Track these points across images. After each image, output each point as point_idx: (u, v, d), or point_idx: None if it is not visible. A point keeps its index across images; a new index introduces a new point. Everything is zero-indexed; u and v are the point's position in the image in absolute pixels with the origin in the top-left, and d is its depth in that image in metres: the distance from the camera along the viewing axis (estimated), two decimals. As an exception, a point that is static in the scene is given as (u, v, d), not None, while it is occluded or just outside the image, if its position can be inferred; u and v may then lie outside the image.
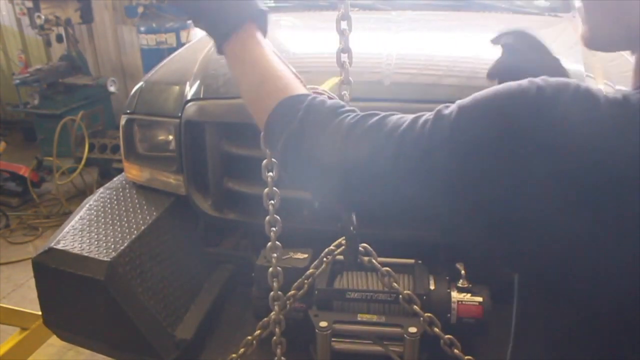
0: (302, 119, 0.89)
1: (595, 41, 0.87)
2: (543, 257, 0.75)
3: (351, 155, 0.84)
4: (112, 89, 5.60)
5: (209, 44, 2.55)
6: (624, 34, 0.83)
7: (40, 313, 2.02)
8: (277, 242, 1.52)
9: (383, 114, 0.86)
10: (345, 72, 1.49)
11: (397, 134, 0.81)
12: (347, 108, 0.90)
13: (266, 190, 1.48)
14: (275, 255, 1.52)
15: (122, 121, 2.27)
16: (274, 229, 1.50)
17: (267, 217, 1.50)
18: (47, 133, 5.28)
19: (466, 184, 0.75)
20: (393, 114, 0.85)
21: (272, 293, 1.53)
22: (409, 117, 0.82)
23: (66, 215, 4.82)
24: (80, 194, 5.19)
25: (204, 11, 1.03)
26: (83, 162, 4.88)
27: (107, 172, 5.05)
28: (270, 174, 1.47)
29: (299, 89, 0.96)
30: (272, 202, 1.49)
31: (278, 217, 1.50)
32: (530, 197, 0.71)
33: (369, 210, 0.93)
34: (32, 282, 1.97)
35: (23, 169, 5.08)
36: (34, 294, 2.00)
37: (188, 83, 2.17)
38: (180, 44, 5.54)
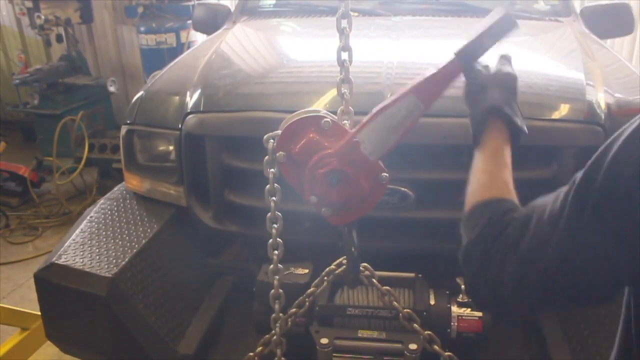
0: (483, 229, 1.01)
1: None
2: None
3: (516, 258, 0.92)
4: (112, 89, 5.61)
5: (210, 50, 2.56)
6: None
7: (40, 313, 2.03)
8: (280, 265, 1.52)
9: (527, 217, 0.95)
10: (345, 70, 1.50)
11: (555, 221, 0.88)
12: (515, 208, 1.03)
13: (267, 187, 1.48)
14: (276, 252, 1.51)
15: (122, 131, 2.27)
16: (275, 225, 1.50)
17: (269, 214, 1.49)
18: (47, 133, 5.29)
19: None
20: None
21: (273, 315, 1.53)
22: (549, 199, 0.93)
23: (66, 215, 4.86)
24: (80, 194, 5.22)
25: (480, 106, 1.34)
26: (83, 162, 4.89)
27: (107, 172, 5.07)
28: (272, 170, 1.46)
29: (507, 192, 1.11)
30: (274, 198, 1.49)
31: (279, 214, 1.50)
32: None
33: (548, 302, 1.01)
34: (32, 282, 1.97)
35: (23, 169, 5.09)
36: (33, 294, 2.00)
37: (188, 93, 2.16)
38: (180, 44, 5.54)
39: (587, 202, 0.83)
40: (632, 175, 0.77)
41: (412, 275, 1.93)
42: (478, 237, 1.01)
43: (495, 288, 0.96)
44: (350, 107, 1.57)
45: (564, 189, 0.89)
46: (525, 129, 1.29)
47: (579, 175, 0.87)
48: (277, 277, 1.49)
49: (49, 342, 2.81)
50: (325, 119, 1.40)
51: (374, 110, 1.38)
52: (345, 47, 1.47)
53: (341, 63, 1.48)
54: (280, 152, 1.41)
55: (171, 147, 2.18)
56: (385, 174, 1.42)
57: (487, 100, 1.31)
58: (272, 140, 1.43)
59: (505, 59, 1.44)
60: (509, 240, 0.94)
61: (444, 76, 1.36)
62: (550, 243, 0.87)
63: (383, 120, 1.37)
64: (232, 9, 3.48)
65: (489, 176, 1.17)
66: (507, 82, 1.37)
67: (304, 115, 1.42)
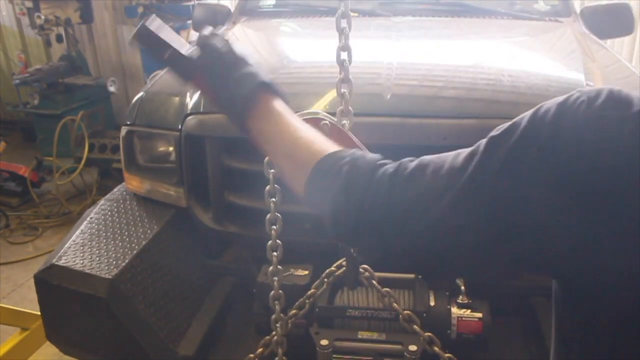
0: (347, 174, 0.92)
1: None
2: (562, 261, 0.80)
3: (397, 206, 0.87)
4: (112, 89, 5.61)
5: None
6: None
7: (40, 314, 2.03)
8: (279, 266, 1.53)
9: (418, 159, 0.90)
10: (345, 70, 1.50)
11: (442, 173, 0.85)
12: (386, 160, 0.94)
13: (267, 187, 1.49)
14: (276, 253, 1.52)
15: (122, 132, 2.27)
16: (274, 227, 1.50)
17: (268, 215, 1.50)
18: (47, 133, 5.29)
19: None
20: (426, 157, 0.90)
21: (273, 316, 1.54)
22: (447, 156, 0.88)
23: (66, 215, 4.86)
24: (80, 194, 5.22)
25: (217, 98, 1.13)
26: (83, 162, 4.89)
27: (107, 172, 5.07)
28: (272, 171, 1.46)
29: (332, 147, 1.01)
30: (274, 199, 1.49)
31: (279, 215, 1.50)
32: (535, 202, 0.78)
33: (416, 257, 0.94)
34: (32, 282, 1.97)
35: (23, 169, 5.10)
36: (33, 294, 2.00)
37: (188, 94, 2.16)
38: (180, 44, 5.53)
39: (495, 160, 0.81)
40: (547, 137, 0.78)
41: (412, 276, 1.93)
42: (344, 191, 0.92)
43: (382, 241, 0.91)
44: (350, 107, 1.58)
45: (465, 150, 0.87)
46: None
47: (486, 140, 0.85)
48: (276, 278, 1.49)
49: (49, 342, 2.82)
50: (324, 121, 1.40)
51: None
52: (344, 47, 1.47)
53: (341, 63, 1.48)
54: None
55: (171, 148, 2.18)
56: None
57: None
58: None
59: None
60: (395, 190, 0.88)
61: None
62: (447, 195, 0.83)
63: None
64: (232, 9, 3.48)
65: (297, 137, 1.05)
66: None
67: (303, 118, 1.42)
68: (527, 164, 0.79)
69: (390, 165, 0.91)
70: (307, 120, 1.42)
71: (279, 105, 1.11)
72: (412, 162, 0.90)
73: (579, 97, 0.80)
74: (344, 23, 1.46)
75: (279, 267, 1.49)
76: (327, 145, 1.01)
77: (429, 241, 0.86)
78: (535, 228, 0.78)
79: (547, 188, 0.77)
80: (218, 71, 1.13)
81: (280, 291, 1.52)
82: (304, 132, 1.05)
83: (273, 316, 1.54)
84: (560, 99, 0.83)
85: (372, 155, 0.96)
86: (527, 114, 0.85)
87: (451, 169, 0.85)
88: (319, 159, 0.97)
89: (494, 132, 0.85)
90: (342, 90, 1.52)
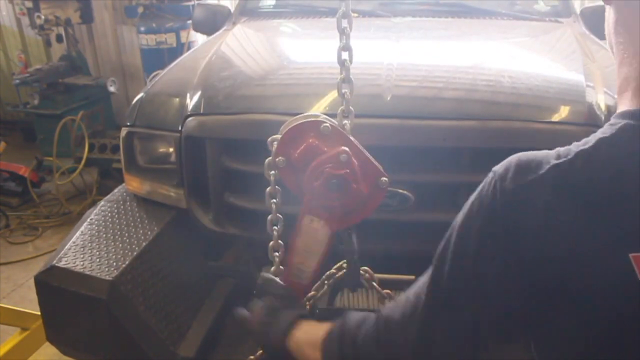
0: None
1: None
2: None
3: None
4: (112, 89, 5.61)
5: (210, 51, 2.56)
6: None
7: (40, 311, 2.03)
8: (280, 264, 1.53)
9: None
10: (346, 70, 1.50)
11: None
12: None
13: (268, 189, 1.49)
14: (277, 253, 1.52)
15: (123, 133, 2.27)
16: (276, 227, 1.50)
17: (270, 216, 1.50)
18: (47, 133, 5.30)
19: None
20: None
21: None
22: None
23: (66, 215, 4.87)
24: (80, 194, 5.22)
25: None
26: (83, 162, 4.89)
27: (107, 172, 5.07)
28: (273, 172, 1.47)
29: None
30: (274, 200, 1.49)
31: (280, 216, 1.50)
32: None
33: None
34: (32, 282, 1.97)
35: (23, 169, 5.10)
36: (33, 294, 2.00)
37: (188, 95, 2.16)
38: (180, 44, 5.55)
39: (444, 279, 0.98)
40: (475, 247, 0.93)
41: (412, 277, 1.92)
42: None
43: None
44: (350, 107, 1.58)
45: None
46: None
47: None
48: (277, 278, 1.49)
49: (48, 343, 2.84)
50: (325, 124, 1.40)
51: None
52: (346, 47, 1.47)
53: (341, 62, 1.48)
54: (280, 158, 1.41)
55: (171, 149, 2.18)
56: (384, 178, 1.43)
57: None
58: (276, 143, 1.44)
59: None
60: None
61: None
62: (415, 319, 1.00)
63: None
64: (232, 9, 3.48)
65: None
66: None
67: (304, 120, 1.42)
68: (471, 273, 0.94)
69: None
70: (307, 123, 1.43)
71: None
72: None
73: (492, 178, 0.93)
74: (345, 23, 1.46)
75: (280, 267, 1.49)
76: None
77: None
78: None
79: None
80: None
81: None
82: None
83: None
84: (479, 188, 0.96)
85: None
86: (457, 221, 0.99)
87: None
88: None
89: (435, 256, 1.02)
90: (343, 90, 1.52)
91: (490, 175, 0.93)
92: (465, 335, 0.98)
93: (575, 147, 0.88)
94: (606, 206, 0.83)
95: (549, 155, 0.89)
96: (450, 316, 0.97)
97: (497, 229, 0.89)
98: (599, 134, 0.89)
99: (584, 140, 0.89)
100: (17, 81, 5.56)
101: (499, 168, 0.93)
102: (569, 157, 0.87)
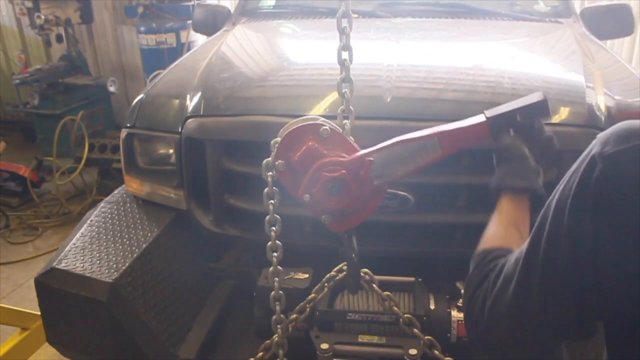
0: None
1: None
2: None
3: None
4: (112, 89, 5.61)
5: (210, 52, 2.56)
6: None
7: (40, 313, 2.03)
8: (279, 267, 1.53)
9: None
10: (346, 70, 1.50)
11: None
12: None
13: (266, 190, 1.49)
14: (276, 253, 1.52)
15: (123, 135, 2.27)
16: (273, 228, 1.50)
17: (267, 217, 1.50)
18: (47, 133, 5.30)
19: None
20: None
21: (274, 317, 1.54)
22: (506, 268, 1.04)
23: (66, 215, 4.87)
24: (80, 194, 5.23)
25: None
26: (83, 162, 4.89)
27: (107, 172, 5.07)
28: (271, 173, 1.47)
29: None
30: (272, 201, 1.49)
31: (278, 217, 1.50)
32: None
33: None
34: (32, 282, 1.97)
35: (23, 169, 5.10)
36: (33, 294, 2.00)
37: (188, 96, 2.16)
38: (180, 44, 5.54)
39: (533, 269, 0.96)
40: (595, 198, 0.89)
41: (412, 279, 1.93)
42: (468, 282, 1.13)
43: (475, 328, 1.06)
44: (351, 107, 1.58)
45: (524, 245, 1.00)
46: (539, 185, 1.34)
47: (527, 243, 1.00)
48: (277, 278, 1.49)
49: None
50: (324, 127, 1.40)
51: (396, 139, 1.41)
52: (346, 47, 1.47)
53: (342, 62, 1.48)
54: (279, 161, 1.41)
55: (171, 151, 2.18)
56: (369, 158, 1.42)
57: (495, 178, 1.35)
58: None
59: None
60: (486, 286, 1.06)
61: (470, 132, 1.40)
62: (508, 292, 0.99)
63: (400, 151, 1.40)
64: (232, 10, 3.48)
65: (494, 233, 1.25)
66: (513, 151, 1.38)
67: (303, 123, 1.42)
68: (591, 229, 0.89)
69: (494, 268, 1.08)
70: (306, 126, 1.43)
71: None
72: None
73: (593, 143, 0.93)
74: (344, 23, 1.46)
75: (279, 267, 1.49)
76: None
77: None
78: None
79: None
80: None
81: (281, 292, 1.52)
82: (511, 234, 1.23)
83: (274, 317, 1.55)
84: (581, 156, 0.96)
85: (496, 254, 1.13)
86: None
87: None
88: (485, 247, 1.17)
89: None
90: (343, 90, 1.52)
91: (593, 142, 0.94)
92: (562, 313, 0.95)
93: None
94: None
95: None
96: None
97: (591, 196, 0.89)
98: None
99: None
100: (17, 81, 5.57)
101: (602, 134, 0.94)
102: None
